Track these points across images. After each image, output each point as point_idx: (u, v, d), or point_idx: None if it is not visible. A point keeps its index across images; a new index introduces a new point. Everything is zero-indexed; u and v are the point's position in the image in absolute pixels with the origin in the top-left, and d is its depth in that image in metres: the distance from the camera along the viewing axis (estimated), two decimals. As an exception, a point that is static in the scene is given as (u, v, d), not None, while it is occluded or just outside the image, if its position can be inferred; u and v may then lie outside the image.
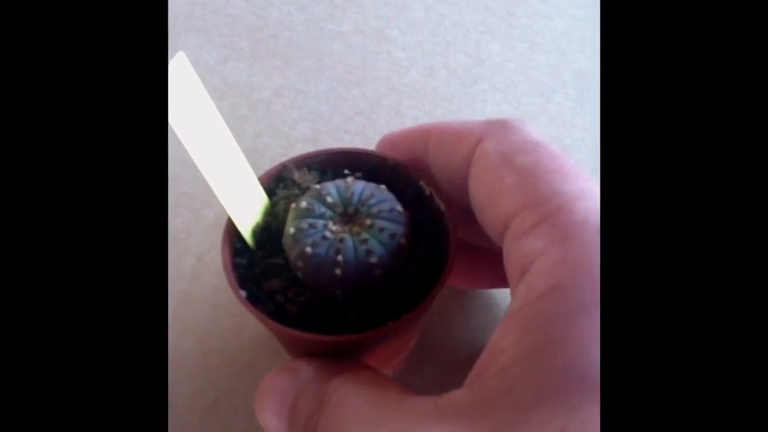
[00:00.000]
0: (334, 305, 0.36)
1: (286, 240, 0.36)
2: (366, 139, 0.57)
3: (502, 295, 0.49)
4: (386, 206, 0.36)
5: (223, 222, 0.52)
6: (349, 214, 0.36)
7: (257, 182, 0.39)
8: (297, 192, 0.40)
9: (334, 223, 0.36)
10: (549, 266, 0.29)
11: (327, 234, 0.35)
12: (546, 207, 0.31)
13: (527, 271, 0.30)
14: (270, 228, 0.38)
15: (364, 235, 0.35)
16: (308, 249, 0.34)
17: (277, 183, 0.41)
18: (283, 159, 0.52)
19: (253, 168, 0.57)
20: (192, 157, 0.33)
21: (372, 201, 0.36)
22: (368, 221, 0.35)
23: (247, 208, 0.38)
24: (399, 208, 0.36)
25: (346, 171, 0.40)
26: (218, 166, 0.36)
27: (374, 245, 0.34)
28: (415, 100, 0.60)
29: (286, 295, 0.36)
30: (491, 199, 0.34)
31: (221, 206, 0.52)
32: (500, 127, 0.35)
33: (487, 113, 0.59)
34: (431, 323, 0.47)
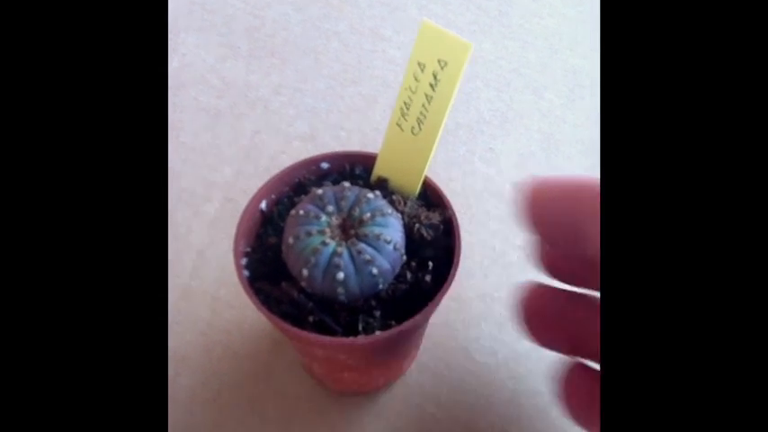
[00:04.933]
0: (343, 309, 0.37)
1: (286, 249, 0.37)
2: (362, 136, 0.59)
3: (495, 287, 0.50)
4: (379, 212, 0.37)
5: (223, 217, 0.53)
6: (344, 220, 0.37)
7: None
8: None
9: (332, 229, 0.36)
10: None
11: (327, 241, 0.35)
12: None
13: None
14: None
15: (360, 245, 0.35)
16: (305, 272, 0.35)
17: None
18: (282, 156, 0.54)
19: (251, 165, 0.58)
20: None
21: (365, 206, 0.37)
22: (363, 230, 0.36)
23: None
24: (393, 213, 0.37)
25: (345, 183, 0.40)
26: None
27: (372, 254, 0.35)
28: (410, 97, 0.61)
29: (297, 298, 0.37)
30: None
31: (221, 202, 0.54)
32: None
33: (481, 110, 0.60)
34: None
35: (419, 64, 0.37)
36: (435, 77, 0.37)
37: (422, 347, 0.47)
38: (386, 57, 0.64)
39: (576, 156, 0.57)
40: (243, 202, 0.40)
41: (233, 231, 0.39)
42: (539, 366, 0.46)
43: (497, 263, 0.51)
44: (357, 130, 0.59)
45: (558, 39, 0.66)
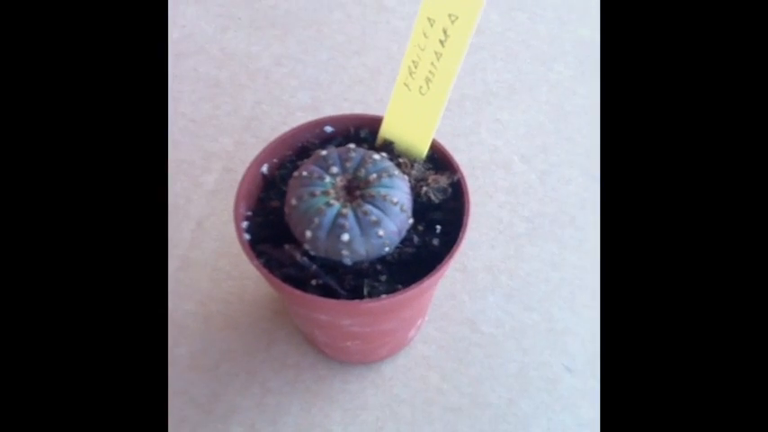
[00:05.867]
0: (347, 273, 0.35)
1: (288, 210, 0.36)
2: (366, 107, 0.57)
3: (501, 258, 0.49)
4: (386, 172, 0.35)
5: (222, 188, 0.52)
6: (349, 181, 0.36)
7: None
8: None
9: (336, 190, 0.35)
10: None
11: (331, 202, 0.34)
12: None
13: None
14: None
15: (366, 206, 0.34)
16: (308, 233, 0.34)
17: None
18: (283, 127, 0.52)
19: (252, 135, 0.57)
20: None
21: (371, 167, 0.35)
22: (369, 191, 0.35)
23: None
24: (399, 174, 0.36)
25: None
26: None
27: (378, 215, 0.34)
28: (414, 69, 0.60)
29: (300, 260, 0.35)
30: None
31: (220, 172, 0.53)
32: None
33: (488, 81, 0.59)
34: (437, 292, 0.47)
35: (429, 19, 0.36)
36: (445, 33, 0.36)
37: (427, 318, 0.45)
38: (390, 28, 0.63)
39: (585, 127, 0.56)
40: (243, 172, 0.39)
41: (233, 202, 0.37)
42: (547, 338, 0.45)
43: (504, 234, 0.50)
44: (360, 101, 0.58)
45: (567, 10, 0.64)
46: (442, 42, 0.36)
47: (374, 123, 0.41)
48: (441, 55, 0.36)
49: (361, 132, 0.41)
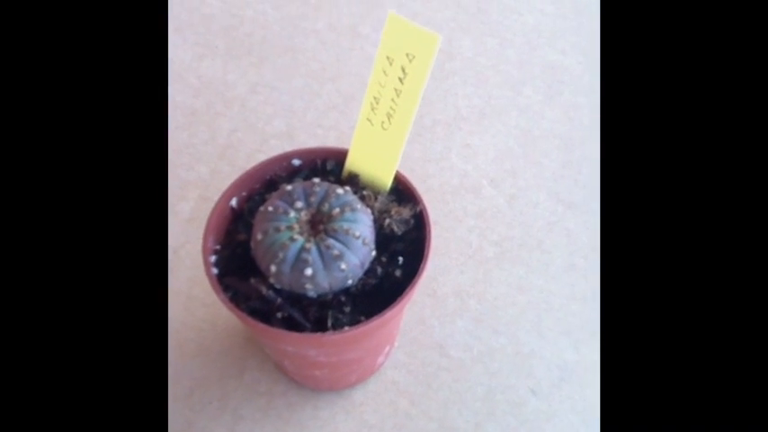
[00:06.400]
0: (312, 304, 0.36)
1: (254, 245, 0.36)
2: (340, 134, 0.58)
3: (470, 283, 0.50)
4: (348, 206, 0.36)
5: (198, 216, 0.53)
6: (313, 215, 0.37)
7: None
8: None
9: (300, 225, 0.36)
10: None
11: (295, 237, 0.35)
12: None
13: None
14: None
15: (329, 240, 0.35)
16: (273, 267, 0.35)
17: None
18: (258, 155, 0.53)
19: (227, 164, 0.58)
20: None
21: (335, 201, 0.36)
22: (332, 225, 0.35)
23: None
24: (362, 208, 0.37)
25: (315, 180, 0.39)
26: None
27: (341, 249, 0.35)
28: (388, 95, 0.61)
29: (266, 294, 0.36)
30: None
31: (196, 200, 0.53)
32: None
33: (459, 107, 0.60)
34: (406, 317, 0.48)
35: (387, 58, 0.37)
36: (404, 71, 0.37)
37: (396, 344, 0.46)
38: (364, 54, 0.64)
39: (554, 151, 0.57)
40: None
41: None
42: (513, 361, 0.46)
43: (473, 258, 0.51)
44: (334, 127, 0.59)
45: (537, 35, 0.66)
46: (401, 80, 0.37)
47: (340, 156, 0.42)
48: (400, 92, 0.38)
49: (328, 164, 0.42)
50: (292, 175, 0.42)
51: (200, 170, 0.56)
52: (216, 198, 0.53)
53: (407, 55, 0.37)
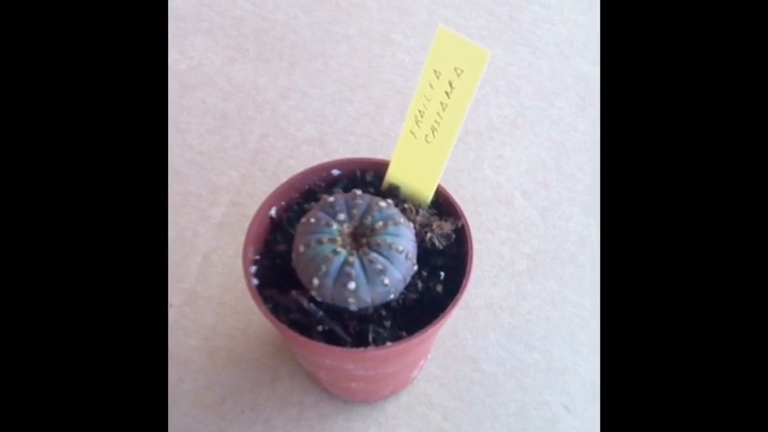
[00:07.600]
0: (352, 318, 0.36)
1: (296, 257, 0.36)
2: (371, 141, 0.58)
3: (503, 295, 0.49)
4: (391, 220, 0.36)
5: (229, 221, 0.53)
6: (356, 228, 0.36)
7: None
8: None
9: (343, 238, 0.36)
10: None
11: (338, 250, 0.35)
12: None
13: None
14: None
15: (372, 254, 0.35)
16: (316, 280, 0.35)
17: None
18: (290, 160, 0.53)
19: (258, 168, 0.58)
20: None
21: (377, 215, 0.36)
22: (375, 239, 0.35)
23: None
24: (405, 222, 0.37)
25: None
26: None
27: (384, 263, 0.35)
28: (419, 103, 0.61)
29: (307, 307, 0.36)
30: None
31: (227, 206, 0.53)
32: None
33: (490, 116, 0.60)
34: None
35: (435, 71, 0.37)
36: (451, 85, 0.37)
37: (429, 357, 0.46)
38: (396, 61, 0.64)
39: (586, 164, 0.57)
40: (250, 205, 0.39)
41: (239, 235, 0.38)
42: (547, 377, 0.46)
43: (506, 271, 0.51)
44: (366, 134, 0.59)
45: (569, 45, 0.65)
46: (447, 94, 0.37)
47: (380, 167, 0.41)
48: (446, 106, 0.37)
49: (367, 176, 0.42)
50: (331, 185, 0.42)
51: (231, 175, 0.56)
52: (247, 203, 0.53)
53: (456, 69, 0.36)
